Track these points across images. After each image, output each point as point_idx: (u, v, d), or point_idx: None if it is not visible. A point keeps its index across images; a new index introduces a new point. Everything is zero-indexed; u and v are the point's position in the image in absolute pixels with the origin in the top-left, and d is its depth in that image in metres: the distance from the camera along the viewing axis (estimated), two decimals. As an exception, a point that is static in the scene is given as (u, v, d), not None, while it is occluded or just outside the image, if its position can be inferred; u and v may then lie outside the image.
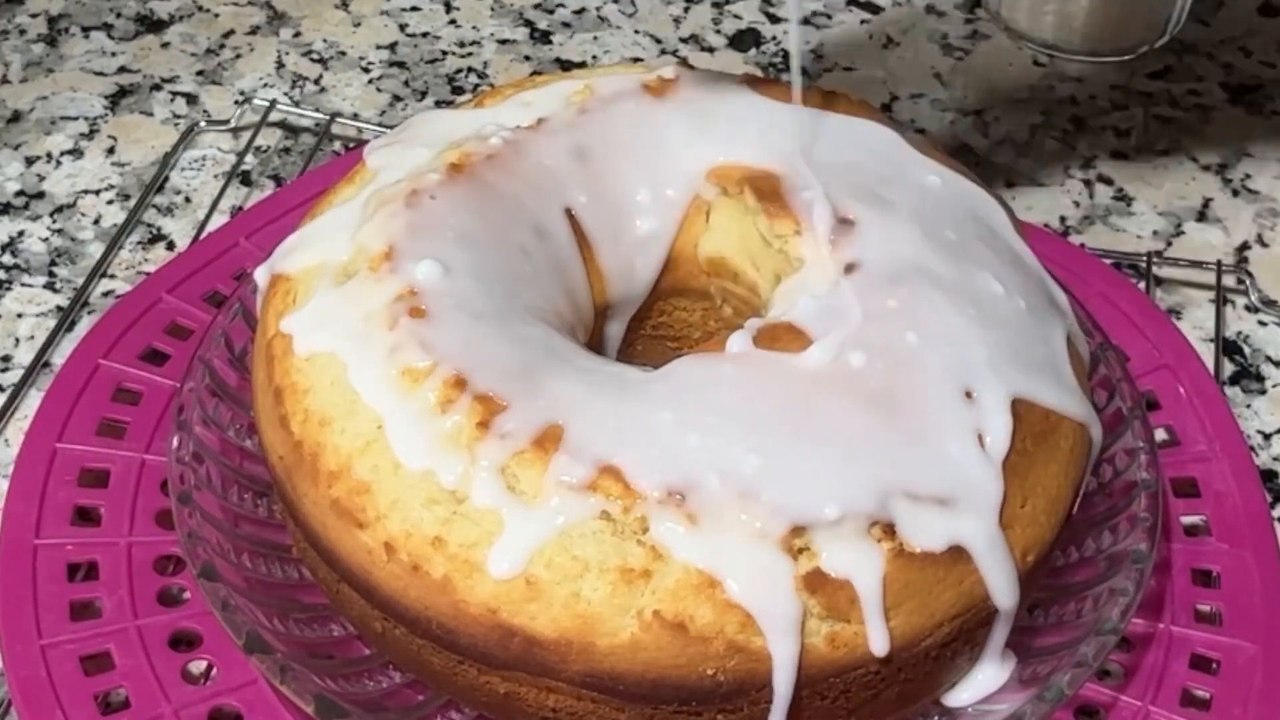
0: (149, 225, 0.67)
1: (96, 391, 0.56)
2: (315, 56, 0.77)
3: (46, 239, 0.66)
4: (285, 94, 0.74)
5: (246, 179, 0.70)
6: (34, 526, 0.52)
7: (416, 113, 0.73)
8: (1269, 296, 0.66)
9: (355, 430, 0.44)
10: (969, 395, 0.45)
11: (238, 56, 0.77)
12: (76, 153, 0.71)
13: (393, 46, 0.78)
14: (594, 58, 0.77)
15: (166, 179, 0.69)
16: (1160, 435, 0.56)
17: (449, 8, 0.80)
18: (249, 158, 0.70)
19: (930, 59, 0.78)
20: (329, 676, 0.46)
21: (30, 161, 0.70)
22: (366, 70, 0.76)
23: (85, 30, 0.78)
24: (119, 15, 0.79)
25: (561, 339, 0.47)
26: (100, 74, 0.75)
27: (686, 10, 0.81)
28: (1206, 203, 0.71)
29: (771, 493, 0.41)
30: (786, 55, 0.78)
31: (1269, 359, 0.64)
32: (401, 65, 0.77)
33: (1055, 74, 0.78)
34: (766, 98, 0.54)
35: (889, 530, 0.42)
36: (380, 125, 0.71)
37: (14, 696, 0.47)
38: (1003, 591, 0.44)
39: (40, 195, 0.68)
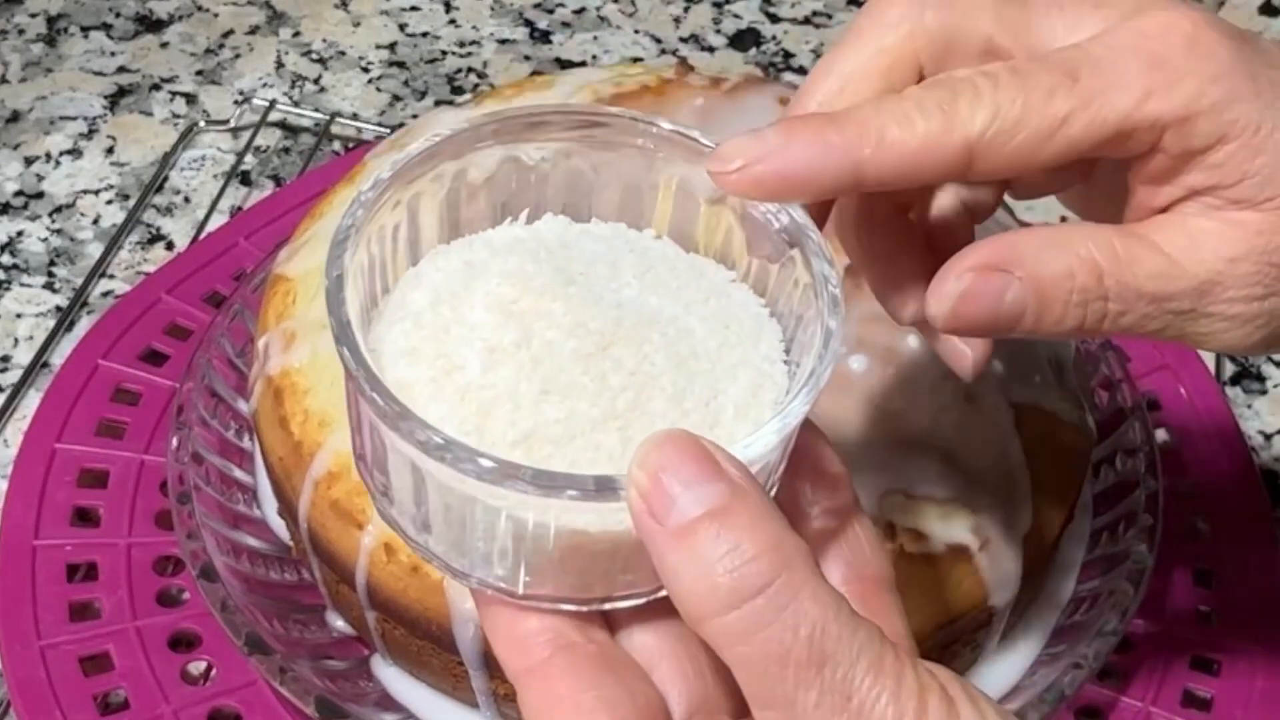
0: (148, 225, 0.67)
1: (96, 392, 0.56)
2: (315, 56, 0.77)
3: (46, 239, 0.66)
4: (285, 94, 0.74)
5: (246, 179, 0.70)
6: (33, 527, 0.52)
7: (416, 112, 0.73)
8: (1269, 297, 0.66)
9: (355, 431, 0.44)
10: (969, 399, 0.44)
11: (237, 56, 0.77)
12: (76, 153, 0.71)
13: (392, 46, 0.78)
14: (594, 57, 0.77)
15: (166, 179, 0.69)
16: (1161, 436, 0.56)
17: (449, 8, 0.80)
18: (248, 158, 0.70)
19: (930, 59, 0.78)
20: (329, 677, 0.46)
21: (29, 161, 0.70)
22: (366, 70, 0.76)
23: (84, 30, 0.77)
24: (118, 15, 0.79)
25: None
26: (99, 74, 0.75)
27: (686, 10, 0.81)
28: (1207, 203, 0.71)
29: (772, 494, 0.41)
30: (786, 54, 0.78)
31: (1270, 359, 0.63)
32: (401, 65, 0.77)
33: (1055, 74, 0.78)
34: (769, 98, 0.54)
35: (889, 531, 0.42)
36: (380, 125, 0.71)
37: (13, 697, 0.47)
38: (1003, 592, 0.44)
39: (39, 195, 0.68)
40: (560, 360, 0.29)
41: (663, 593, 0.29)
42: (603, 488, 0.27)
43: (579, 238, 0.33)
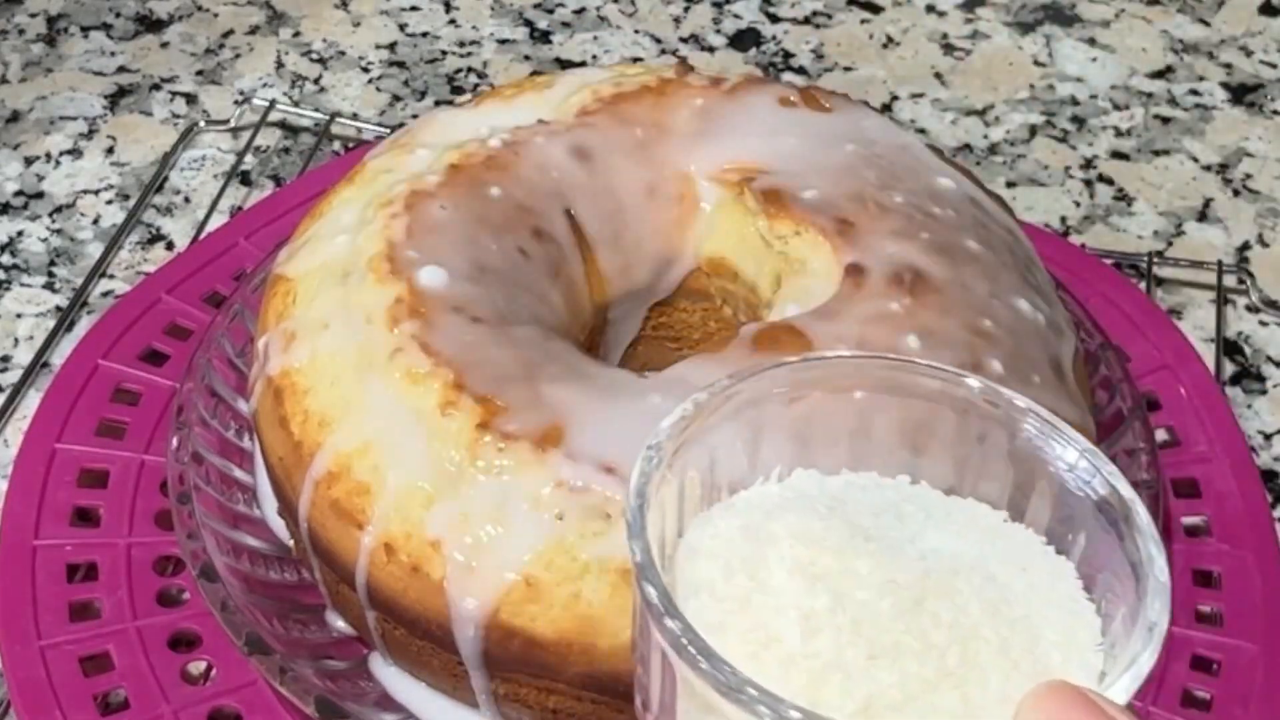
0: (148, 225, 0.67)
1: (96, 392, 0.56)
2: (315, 56, 0.77)
3: (46, 239, 0.66)
4: (285, 94, 0.74)
5: (246, 179, 0.70)
6: (33, 527, 0.52)
7: (416, 112, 0.73)
8: (1270, 296, 0.66)
9: (355, 431, 0.44)
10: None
11: (237, 56, 0.77)
12: (76, 153, 0.71)
13: (392, 46, 0.78)
14: (594, 57, 0.77)
15: (166, 179, 0.69)
16: (1161, 436, 0.56)
17: (449, 7, 0.80)
18: (248, 158, 0.70)
19: (930, 59, 0.78)
20: (329, 677, 0.46)
21: (29, 161, 0.70)
22: (366, 70, 0.76)
23: (84, 30, 0.77)
24: (118, 15, 0.78)
25: (561, 341, 0.47)
26: (99, 74, 0.75)
27: (686, 10, 0.81)
28: (1207, 203, 0.71)
29: (772, 494, 0.41)
30: (786, 54, 0.78)
31: (1270, 359, 0.63)
32: (401, 65, 0.76)
33: (1055, 74, 0.78)
34: (769, 98, 0.54)
35: (889, 531, 0.42)
36: (380, 125, 0.71)
37: (13, 697, 0.47)
38: (1003, 592, 0.44)
39: (39, 195, 0.68)
40: (879, 620, 0.28)
41: None
42: None
43: (845, 490, 0.32)
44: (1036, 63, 0.78)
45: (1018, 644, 0.29)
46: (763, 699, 0.26)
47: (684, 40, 0.79)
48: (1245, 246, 0.69)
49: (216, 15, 0.79)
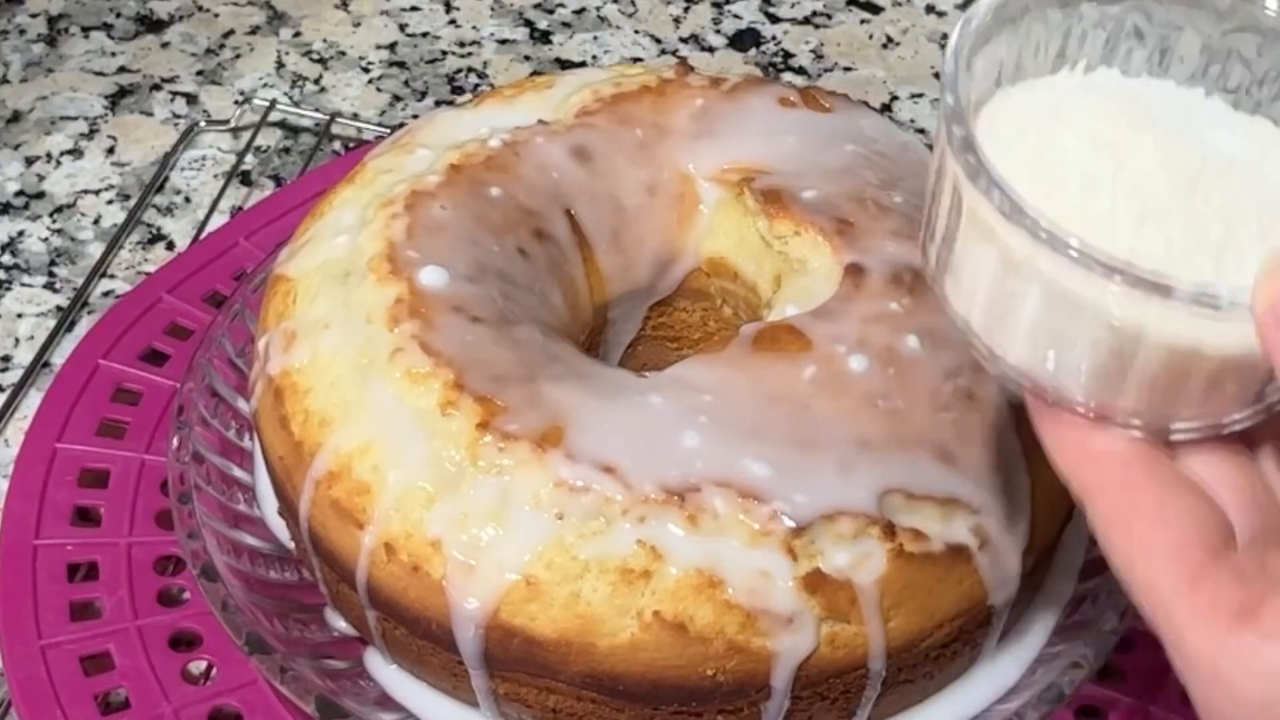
0: (149, 225, 0.67)
1: (96, 392, 0.56)
2: (315, 56, 0.77)
3: (46, 239, 0.66)
4: (285, 94, 0.74)
5: (246, 179, 0.70)
6: (34, 527, 0.52)
7: (416, 113, 0.73)
8: (1269, 297, 0.66)
9: (355, 431, 0.44)
10: (970, 398, 0.45)
11: (237, 56, 0.77)
12: (76, 153, 0.71)
13: (393, 46, 0.78)
14: (594, 58, 0.77)
15: (166, 179, 0.69)
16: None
17: (449, 8, 0.80)
18: (249, 157, 0.70)
19: (930, 59, 0.78)
20: (329, 676, 0.46)
21: (30, 161, 0.70)
22: (366, 70, 0.76)
23: (85, 30, 0.77)
24: (119, 15, 0.79)
25: (561, 341, 0.47)
26: (100, 74, 0.75)
27: (686, 10, 0.81)
28: (1206, 203, 0.71)
29: (771, 494, 0.41)
30: (786, 54, 0.78)
31: (1269, 359, 0.63)
32: (401, 65, 0.77)
33: (1055, 74, 0.78)
34: (769, 98, 0.54)
35: (889, 531, 0.42)
36: (380, 125, 0.71)
37: (14, 696, 0.47)
38: (1002, 592, 0.44)
39: (40, 195, 0.68)
40: (1154, 190, 0.31)
41: (1235, 427, 0.31)
42: (1218, 296, 0.28)
43: (1142, 86, 0.34)
44: (1036, 63, 0.78)
45: (1277, 234, 0.31)
46: (1044, 222, 0.29)
47: (684, 40, 0.79)
48: (1245, 246, 0.69)
49: (217, 15, 0.79)
